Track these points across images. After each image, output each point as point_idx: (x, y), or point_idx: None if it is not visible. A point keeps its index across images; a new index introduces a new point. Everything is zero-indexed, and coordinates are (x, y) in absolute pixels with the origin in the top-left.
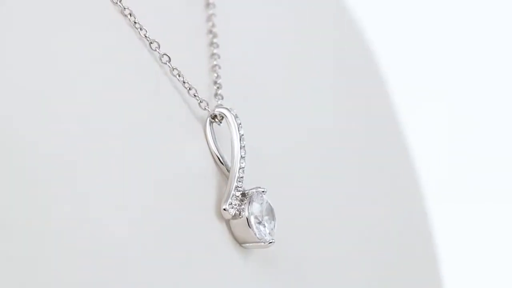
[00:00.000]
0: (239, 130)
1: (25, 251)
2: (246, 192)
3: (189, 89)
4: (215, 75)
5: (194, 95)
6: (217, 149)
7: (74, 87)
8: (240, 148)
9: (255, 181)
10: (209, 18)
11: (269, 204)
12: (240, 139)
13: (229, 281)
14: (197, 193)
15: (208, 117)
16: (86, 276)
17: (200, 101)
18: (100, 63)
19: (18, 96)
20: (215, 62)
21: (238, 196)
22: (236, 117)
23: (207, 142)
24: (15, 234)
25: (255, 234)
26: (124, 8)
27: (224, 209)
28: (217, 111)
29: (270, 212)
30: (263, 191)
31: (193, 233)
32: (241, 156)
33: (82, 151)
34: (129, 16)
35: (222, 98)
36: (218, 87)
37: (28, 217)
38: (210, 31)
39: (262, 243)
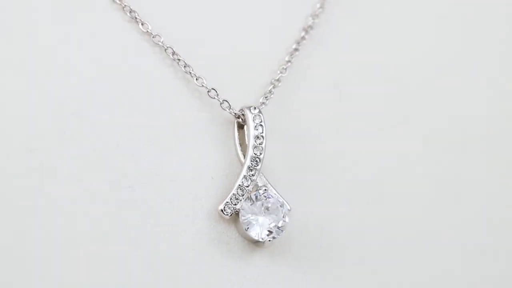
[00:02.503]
0: (255, 129)
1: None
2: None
3: (209, 91)
4: (278, 72)
5: (214, 97)
6: (240, 149)
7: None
8: (254, 147)
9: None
10: (313, 13)
11: (273, 200)
12: (254, 138)
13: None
14: (212, 194)
15: (235, 118)
16: (89, 274)
17: (221, 102)
18: (116, 70)
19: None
20: (287, 59)
21: (242, 195)
22: (255, 116)
23: (234, 142)
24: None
25: (248, 233)
26: (136, 18)
27: (221, 210)
28: (243, 110)
29: (276, 208)
30: (265, 189)
31: (199, 232)
32: (252, 156)
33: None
34: (141, 25)
35: (271, 94)
36: (274, 86)
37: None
38: (308, 26)
39: (260, 240)
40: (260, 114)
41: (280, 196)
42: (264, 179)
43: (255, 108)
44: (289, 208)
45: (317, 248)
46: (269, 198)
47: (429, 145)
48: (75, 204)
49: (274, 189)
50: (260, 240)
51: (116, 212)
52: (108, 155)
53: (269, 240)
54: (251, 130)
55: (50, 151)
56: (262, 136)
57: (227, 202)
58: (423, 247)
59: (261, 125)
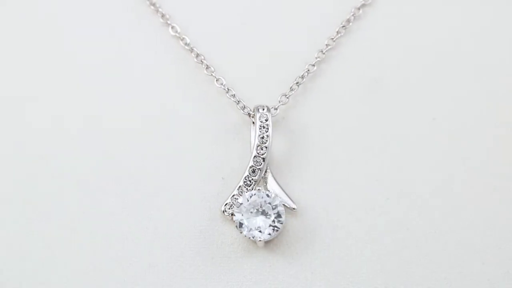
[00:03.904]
0: (260, 129)
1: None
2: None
3: (227, 91)
4: (307, 69)
5: (230, 98)
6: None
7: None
8: (257, 147)
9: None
10: (355, 6)
11: (268, 200)
12: (259, 138)
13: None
14: (221, 195)
15: (250, 117)
16: (95, 272)
17: (237, 102)
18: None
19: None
20: (316, 55)
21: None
22: (261, 115)
23: (250, 142)
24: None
25: (240, 233)
26: (167, 22)
27: (223, 211)
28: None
29: (270, 208)
30: (258, 189)
31: (203, 233)
32: (255, 155)
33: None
34: (170, 28)
35: (291, 91)
36: (297, 82)
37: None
38: (347, 20)
39: (252, 239)
40: (267, 113)
41: (286, 195)
42: (272, 177)
43: (263, 107)
44: (294, 207)
45: (323, 248)
46: (263, 197)
47: (454, 144)
48: (83, 204)
49: (281, 188)
50: (251, 239)
51: (122, 213)
52: (117, 156)
53: (260, 240)
54: (256, 130)
55: (60, 155)
56: (266, 135)
57: (227, 203)
58: (435, 247)
59: (266, 124)
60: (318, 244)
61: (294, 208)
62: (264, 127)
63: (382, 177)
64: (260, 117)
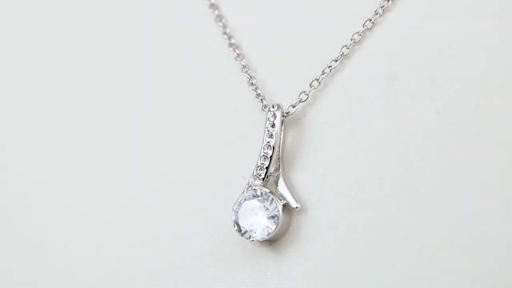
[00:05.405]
0: (267, 128)
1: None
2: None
3: (255, 89)
4: (328, 64)
5: (257, 96)
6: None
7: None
8: (264, 145)
9: None
10: (384, 4)
11: (261, 199)
12: (266, 137)
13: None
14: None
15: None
16: (110, 269)
17: (261, 101)
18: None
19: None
20: (340, 50)
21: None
22: (271, 114)
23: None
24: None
25: (241, 234)
26: (219, 23)
27: (234, 210)
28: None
29: (264, 208)
30: (254, 189)
31: (218, 232)
32: (262, 155)
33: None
34: (222, 28)
35: (311, 88)
36: (317, 79)
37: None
38: (375, 13)
39: (250, 240)
40: (276, 112)
41: (291, 194)
42: (282, 176)
43: (273, 105)
44: (297, 206)
45: (325, 247)
46: (259, 197)
47: (459, 142)
48: (102, 202)
49: (287, 186)
50: (246, 239)
51: (139, 213)
52: (140, 154)
53: (252, 240)
54: (264, 129)
55: (84, 154)
56: (273, 134)
57: (238, 203)
58: (437, 247)
59: (274, 123)
60: (321, 243)
61: (296, 207)
62: (272, 126)
63: (386, 175)
64: (269, 115)
